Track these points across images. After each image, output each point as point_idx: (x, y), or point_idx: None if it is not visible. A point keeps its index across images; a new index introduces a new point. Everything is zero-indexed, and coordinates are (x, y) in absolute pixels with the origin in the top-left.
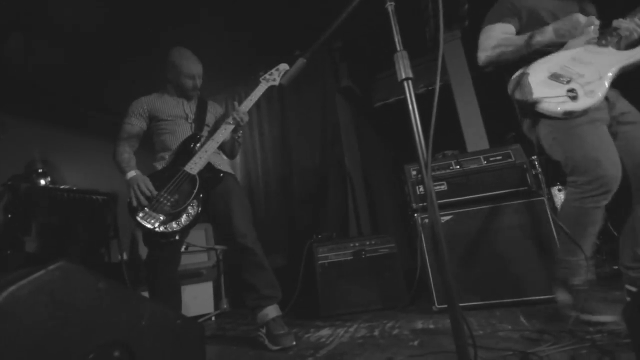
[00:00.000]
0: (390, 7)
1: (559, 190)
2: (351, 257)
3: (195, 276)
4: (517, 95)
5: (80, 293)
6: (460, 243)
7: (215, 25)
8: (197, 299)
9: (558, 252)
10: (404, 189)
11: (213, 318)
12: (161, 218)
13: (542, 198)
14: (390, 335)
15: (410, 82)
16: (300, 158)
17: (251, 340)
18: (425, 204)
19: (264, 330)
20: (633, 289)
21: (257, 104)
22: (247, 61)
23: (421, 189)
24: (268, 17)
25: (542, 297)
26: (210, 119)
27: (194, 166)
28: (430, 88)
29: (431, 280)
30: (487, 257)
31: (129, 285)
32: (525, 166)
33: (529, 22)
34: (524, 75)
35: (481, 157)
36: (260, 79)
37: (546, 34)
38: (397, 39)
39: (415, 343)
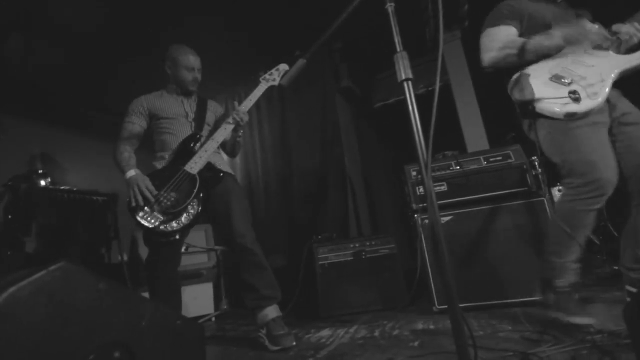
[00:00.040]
0: (390, 7)
1: (559, 191)
2: (351, 258)
3: (195, 277)
4: (517, 95)
5: (80, 294)
6: (460, 243)
7: (215, 25)
8: (197, 300)
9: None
10: (404, 190)
11: (213, 319)
12: (161, 217)
13: (542, 199)
14: (391, 335)
15: (410, 82)
16: (300, 158)
17: (251, 341)
18: (425, 204)
19: (264, 331)
20: (633, 289)
21: (257, 105)
22: (247, 61)
23: (421, 189)
24: (268, 17)
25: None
26: (210, 117)
27: (194, 165)
28: (430, 88)
29: (431, 281)
30: (487, 257)
31: (130, 285)
32: (525, 167)
33: (528, 27)
34: (525, 75)
35: (481, 157)
36: (260, 79)
37: (554, 39)
38: (397, 39)
39: (416, 344)
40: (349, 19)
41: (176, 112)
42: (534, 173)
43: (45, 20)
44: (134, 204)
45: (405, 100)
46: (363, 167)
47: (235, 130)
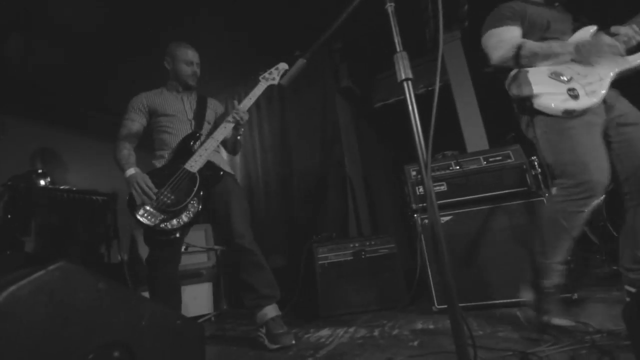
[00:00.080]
0: (390, 7)
1: None
2: (351, 258)
3: (195, 276)
4: (515, 91)
5: (80, 293)
6: (460, 243)
7: (215, 25)
8: (197, 299)
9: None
10: (403, 190)
11: (213, 318)
12: (161, 216)
13: (542, 198)
14: (390, 335)
15: (410, 82)
16: (300, 158)
17: (251, 341)
18: (425, 204)
19: (263, 330)
20: (632, 289)
21: (257, 105)
22: (247, 61)
23: (421, 189)
24: (268, 17)
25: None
26: (210, 115)
27: (194, 164)
28: (430, 89)
29: (431, 281)
30: (487, 257)
31: (131, 285)
32: (524, 167)
33: (528, 29)
34: (523, 72)
35: (481, 157)
36: (260, 78)
37: (567, 47)
38: (397, 39)
39: (415, 343)
40: (349, 19)
41: (176, 109)
42: (533, 173)
43: (45, 20)
44: (139, 202)
45: (405, 100)
46: (363, 167)
47: (235, 129)
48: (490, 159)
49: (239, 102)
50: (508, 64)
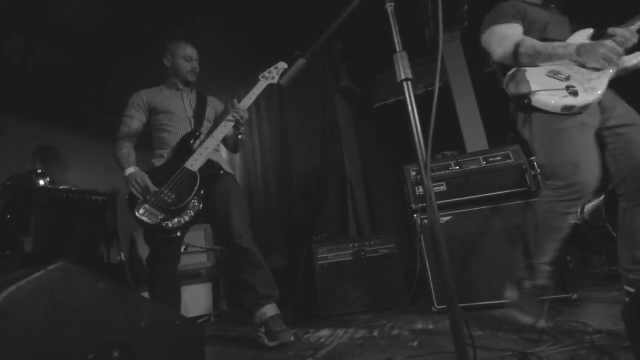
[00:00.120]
0: (389, 7)
1: None
2: (351, 258)
3: (194, 277)
4: (512, 89)
5: (79, 293)
6: (459, 243)
7: (215, 25)
8: (197, 300)
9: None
10: (403, 190)
11: (212, 319)
12: (162, 214)
13: None
14: (390, 335)
15: (409, 82)
16: (299, 158)
17: (250, 341)
18: (424, 204)
19: (262, 329)
20: (632, 290)
21: (257, 105)
22: (247, 61)
23: (420, 189)
24: (268, 17)
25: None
26: (210, 113)
27: (194, 163)
28: (429, 89)
29: (430, 281)
30: (486, 257)
31: (132, 284)
32: (524, 167)
33: (527, 30)
34: (521, 70)
35: (480, 157)
36: (259, 76)
37: (569, 48)
38: (396, 39)
39: (415, 343)
40: (349, 19)
41: (176, 106)
42: (533, 173)
43: (45, 20)
44: (138, 200)
45: (404, 100)
46: (363, 167)
47: (236, 127)
48: (490, 159)
49: (239, 101)
50: (510, 61)
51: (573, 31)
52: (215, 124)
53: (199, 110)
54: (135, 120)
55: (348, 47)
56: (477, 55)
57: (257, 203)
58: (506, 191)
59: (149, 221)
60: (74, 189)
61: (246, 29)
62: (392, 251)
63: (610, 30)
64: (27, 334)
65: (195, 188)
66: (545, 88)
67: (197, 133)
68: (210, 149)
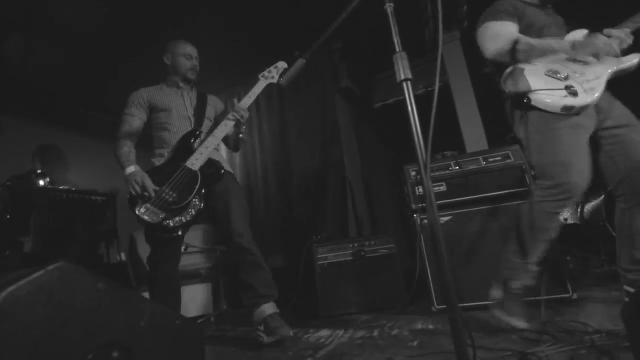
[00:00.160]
0: (389, 8)
1: None
2: (351, 258)
3: (194, 277)
4: (511, 87)
5: (79, 293)
6: (459, 244)
7: (215, 25)
8: (196, 300)
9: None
10: (403, 190)
11: (212, 319)
12: (163, 213)
13: None
14: (390, 335)
15: (409, 82)
16: (299, 158)
17: (250, 341)
18: (424, 204)
19: (261, 327)
20: (631, 289)
21: (257, 105)
22: (247, 61)
23: (420, 189)
24: (268, 17)
25: (540, 297)
26: (210, 112)
27: (195, 162)
28: (429, 89)
29: (430, 281)
30: (486, 257)
31: (135, 284)
32: (524, 167)
33: (525, 30)
34: (519, 69)
35: (480, 157)
36: (259, 76)
37: (562, 43)
38: (396, 40)
39: (415, 343)
40: (349, 19)
41: (176, 104)
42: (532, 173)
43: (45, 20)
44: (134, 199)
45: (404, 100)
46: (362, 167)
47: (236, 126)
48: (490, 159)
49: (239, 101)
50: (503, 59)
51: (568, 32)
52: (216, 122)
53: (200, 109)
54: (136, 119)
55: (348, 47)
56: (476, 56)
57: (257, 203)
58: (506, 191)
59: (150, 220)
60: (73, 189)
61: (246, 29)
62: (392, 251)
63: (606, 31)
64: (27, 334)
65: (196, 187)
66: (545, 87)
67: (198, 132)
68: (211, 148)
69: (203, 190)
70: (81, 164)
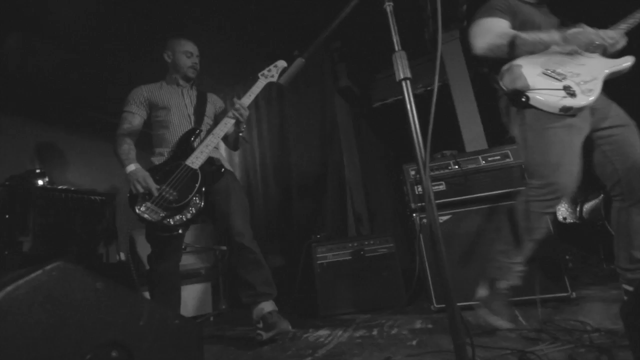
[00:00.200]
0: (388, 7)
1: None
2: (350, 257)
3: (194, 276)
4: (509, 84)
5: (77, 293)
6: (458, 243)
7: (215, 25)
8: (196, 299)
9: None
10: (402, 189)
11: (212, 318)
12: (163, 212)
13: None
14: (389, 334)
15: (408, 82)
16: (298, 158)
17: (249, 341)
18: (423, 203)
19: (260, 325)
20: (630, 288)
21: (256, 104)
22: (247, 61)
23: (420, 189)
24: (267, 17)
25: (539, 296)
26: (210, 110)
27: (195, 160)
28: (428, 88)
29: (429, 280)
30: (485, 256)
31: (137, 284)
32: (523, 166)
33: (521, 27)
34: (516, 66)
35: (480, 157)
36: (259, 74)
37: (553, 35)
38: (395, 39)
39: (414, 342)
40: (348, 18)
41: (176, 102)
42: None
43: (45, 20)
44: (135, 198)
45: (404, 99)
46: (362, 166)
47: (236, 125)
48: (489, 159)
49: (239, 99)
50: (494, 54)
51: None
52: (216, 121)
53: (199, 107)
54: (136, 116)
55: (347, 47)
56: (476, 55)
57: (257, 203)
58: (505, 190)
59: (150, 218)
60: (72, 189)
61: (246, 29)
62: (391, 251)
63: (601, 32)
64: (25, 334)
65: (197, 186)
66: (543, 87)
67: (198, 131)
68: (211, 147)
69: (203, 189)
70: (80, 164)
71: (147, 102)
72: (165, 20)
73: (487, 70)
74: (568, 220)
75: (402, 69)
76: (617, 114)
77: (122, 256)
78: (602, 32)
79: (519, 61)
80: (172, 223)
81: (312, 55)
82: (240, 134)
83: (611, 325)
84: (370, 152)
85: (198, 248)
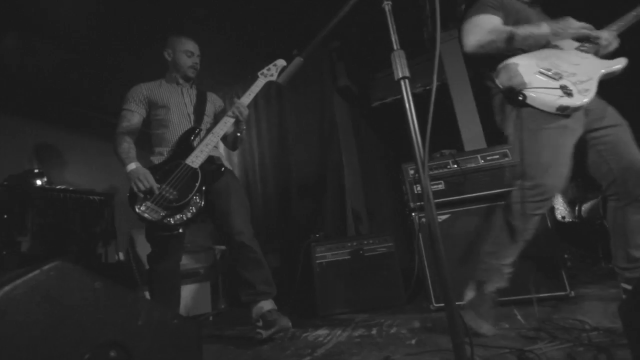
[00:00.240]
0: (387, 6)
1: None
2: (349, 257)
3: (193, 276)
4: (505, 82)
5: (76, 293)
6: (457, 242)
7: (215, 25)
8: (195, 299)
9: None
10: (401, 188)
11: (211, 318)
12: (164, 211)
13: None
14: (388, 334)
15: (407, 81)
16: (298, 157)
17: (249, 340)
18: (422, 203)
19: (260, 323)
20: (629, 287)
21: (255, 104)
22: (246, 61)
23: (419, 188)
24: (267, 17)
25: (536, 295)
26: (209, 109)
27: (195, 159)
28: (427, 88)
29: (428, 279)
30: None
31: (140, 283)
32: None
33: (515, 25)
34: (512, 64)
35: (478, 156)
36: (258, 74)
37: (542, 29)
38: (394, 38)
39: (413, 342)
40: (347, 17)
41: (175, 101)
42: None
43: (45, 20)
44: (135, 197)
45: (402, 99)
46: (361, 165)
47: (236, 124)
48: (488, 158)
49: (238, 99)
50: (485, 50)
51: None
52: (215, 120)
53: (199, 106)
54: (135, 115)
55: (346, 46)
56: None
57: (256, 202)
58: (504, 189)
59: (150, 218)
60: (71, 188)
61: (246, 29)
62: (391, 250)
63: (595, 32)
64: (23, 334)
65: (197, 185)
66: (539, 86)
67: (197, 130)
68: (211, 146)
69: (204, 188)
70: (79, 164)
71: (146, 101)
72: (165, 20)
73: (483, 66)
74: (567, 220)
75: (400, 68)
76: (610, 114)
77: (121, 256)
78: (589, 26)
79: (515, 59)
80: (172, 222)
81: (311, 54)
82: (239, 134)
83: (610, 324)
84: (369, 152)
85: (197, 248)
